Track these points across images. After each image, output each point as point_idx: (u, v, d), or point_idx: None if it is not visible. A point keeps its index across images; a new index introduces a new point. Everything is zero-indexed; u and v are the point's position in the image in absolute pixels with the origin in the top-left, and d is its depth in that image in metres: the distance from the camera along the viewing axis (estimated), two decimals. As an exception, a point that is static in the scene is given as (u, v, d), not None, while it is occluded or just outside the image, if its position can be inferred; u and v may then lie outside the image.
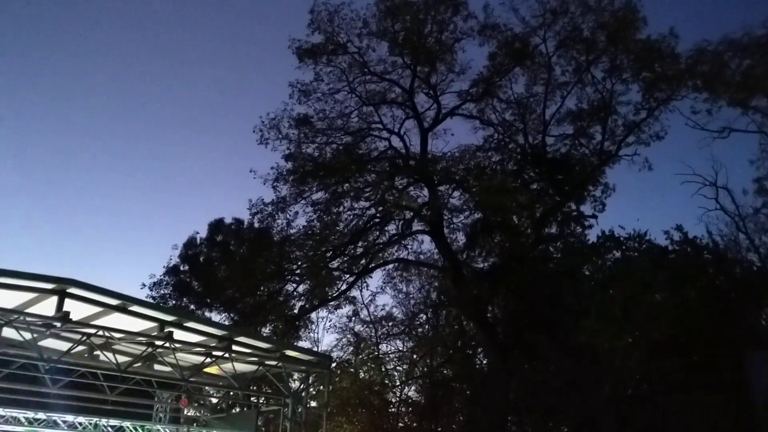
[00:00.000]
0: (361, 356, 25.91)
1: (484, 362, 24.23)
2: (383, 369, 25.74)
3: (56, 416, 13.85)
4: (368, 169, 22.22)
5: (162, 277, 26.21)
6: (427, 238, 23.09)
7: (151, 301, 22.67)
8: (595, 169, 21.66)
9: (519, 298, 21.01)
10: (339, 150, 22.17)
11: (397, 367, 26.61)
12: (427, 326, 26.95)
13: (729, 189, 21.25)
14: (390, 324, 26.79)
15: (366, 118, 22.62)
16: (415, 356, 26.30)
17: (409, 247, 23.68)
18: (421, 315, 27.01)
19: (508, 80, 22.55)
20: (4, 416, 13.41)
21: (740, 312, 17.56)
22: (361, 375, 25.24)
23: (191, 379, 13.38)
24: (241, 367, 13.66)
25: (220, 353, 12.83)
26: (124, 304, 11.37)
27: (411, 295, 27.12)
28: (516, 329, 20.73)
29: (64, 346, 12.25)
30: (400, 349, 26.85)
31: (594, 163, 21.81)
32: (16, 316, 10.70)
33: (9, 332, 11.46)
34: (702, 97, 20.90)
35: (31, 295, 10.84)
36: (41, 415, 13.72)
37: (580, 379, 17.17)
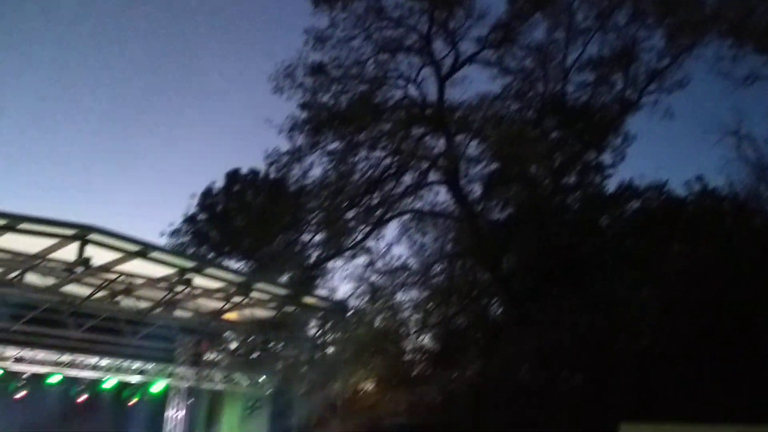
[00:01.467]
0: (376, 305, 26.14)
1: (499, 312, 24.40)
2: (398, 317, 25.98)
3: (81, 358, 14.21)
4: (384, 118, 22.02)
5: (180, 225, 26.52)
6: (443, 189, 23.03)
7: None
8: (616, 118, 21.32)
9: (535, 249, 20.99)
10: (355, 99, 21.95)
11: (412, 316, 26.85)
12: (442, 276, 27.08)
13: (752, 138, 20.84)
14: (405, 274, 26.93)
15: (382, 66, 22.28)
16: (429, 306, 26.49)
17: (424, 197, 23.64)
18: (437, 265, 27.11)
19: (529, 26, 22.05)
20: (31, 358, 13.74)
21: (760, 264, 17.39)
22: (377, 323, 25.51)
23: (211, 325, 13.66)
24: (259, 313, 13.87)
25: (238, 299, 13.02)
26: (145, 250, 11.50)
27: (426, 246, 27.20)
28: (532, 280, 20.77)
29: (85, 291, 12.47)
30: (415, 298, 27.07)
31: (615, 112, 21.46)
32: (38, 262, 10.86)
33: (32, 278, 11.69)
34: (727, 44, 20.34)
35: (52, 241, 10.99)
36: (65, 358, 14.09)
37: (595, 331, 17.25)
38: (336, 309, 14.90)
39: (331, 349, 17.68)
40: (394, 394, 23.33)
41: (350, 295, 26.36)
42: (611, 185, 20.65)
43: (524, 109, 22.34)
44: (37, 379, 14.15)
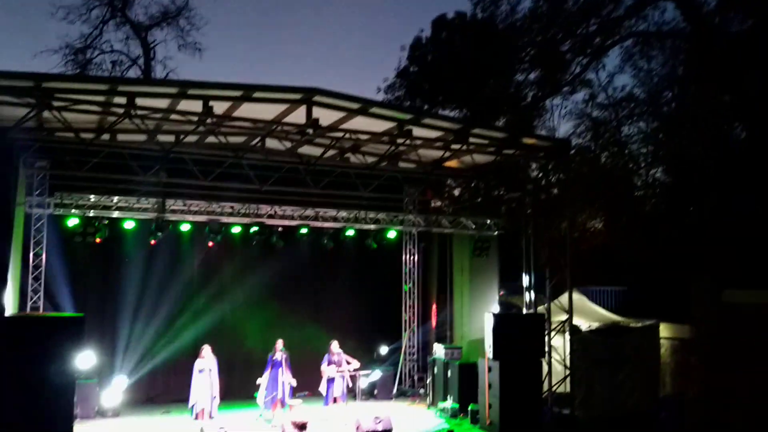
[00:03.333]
0: (600, 141, 24.92)
1: (742, 138, 22.02)
2: (626, 152, 24.65)
3: (322, 211, 15.68)
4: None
5: (394, 80, 27.05)
6: (670, 5, 20.54)
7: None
8: None
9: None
10: None
11: (641, 149, 25.28)
12: (673, 104, 24.85)
13: None
14: (631, 105, 25.12)
15: None
16: (660, 137, 24.64)
17: (649, 17, 21.33)
18: (666, 92, 24.88)
19: None
20: (281, 214, 15.44)
21: None
22: (602, 160, 24.48)
23: (434, 173, 14.07)
24: (479, 158, 13.93)
25: (457, 147, 13.15)
26: (365, 107, 11.91)
27: (654, 72, 24.93)
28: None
29: (318, 151, 13.41)
30: (644, 130, 25.31)
31: None
32: (274, 127, 11.80)
33: (272, 143, 12.81)
34: None
35: (283, 107, 11.81)
36: (310, 212, 15.62)
37: None
38: (557, 148, 14.42)
39: (555, 190, 17.39)
40: (625, 231, 22.65)
41: (572, 133, 25.42)
42: None
43: None
44: (290, 231, 15.97)
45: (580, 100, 27.16)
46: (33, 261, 13.86)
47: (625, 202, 23.17)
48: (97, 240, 14.11)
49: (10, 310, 10.74)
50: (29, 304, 13.62)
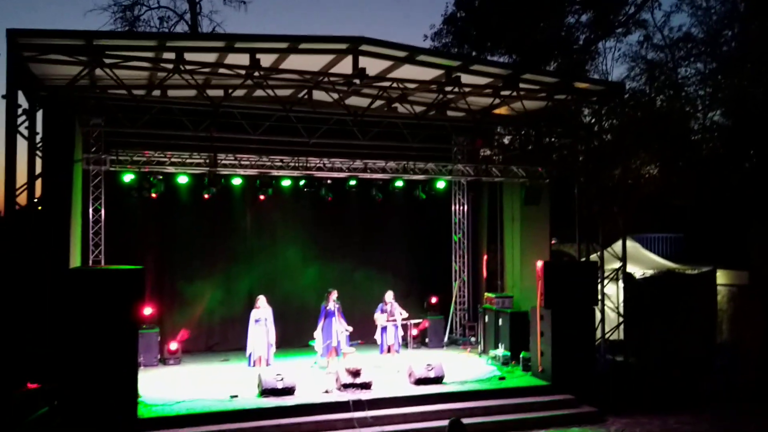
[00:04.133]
0: (656, 84, 24.08)
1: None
2: (682, 95, 23.78)
3: (371, 162, 15.66)
4: None
5: (441, 26, 26.53)
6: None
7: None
8: None
9: None
10: None
11: (699, 91, 24.35)
12: (733, 43, 23.74)
13: None
14: (689, 45, 24.13)
15: None
16: (719, 78, 23.66)
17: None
18: (726, 31, 23.78)
19: None
20: (330, 166, 15.49)
21: None
22: (657, 104, 23.70)
23: (483, 121, 13.85)
24: (530, 104, 13.64)
25: (507, 93, 12.88)
26: (412, 54, 11.73)
27: (713, 9, 23.83)
28: None
29: (365, 102, 13.33)
30: (702, 71, 24.33)
31: None
32: (321, 78, 11.75)
33: (319, 95, 12.77)
34: None
35: (329, 57, 11.73)
36: (358, 163, 15.62)
37: None
38: (611, 92, 13.99)
39: (607, 136, 16.99)
40: (681, 177, 22.05)
41: (625, 77, 24.65)
42: None
43: None
44: (339, 183, 16.05)
45: (635, 41, 26.32)
46: (93, 216, 14.33)
47: (681, 147, 22.48)
48: (153, 195, 14.45)
49: (73, 263, 11.16)
50: (91, 257, 14.13)
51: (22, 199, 10.45)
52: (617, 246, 14.31)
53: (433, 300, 17.13)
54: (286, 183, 15.79)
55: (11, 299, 9.82)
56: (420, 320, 14.79)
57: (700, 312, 15.28)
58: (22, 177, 10.33)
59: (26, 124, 10.55)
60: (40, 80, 11.28)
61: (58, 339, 9.94)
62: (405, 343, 13.99)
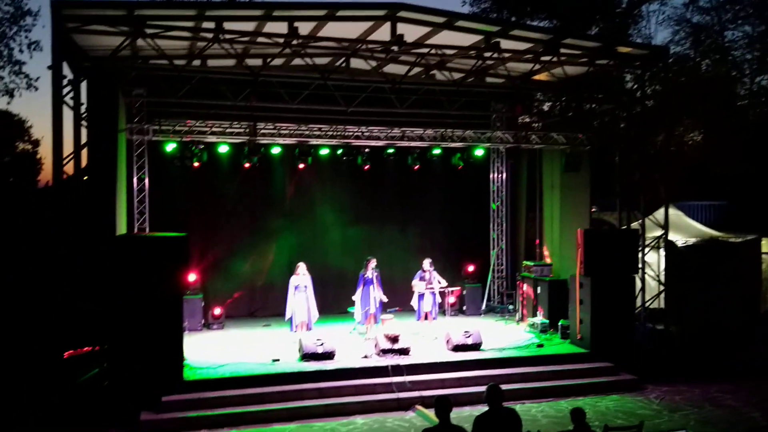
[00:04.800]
0: (701, 48, 23.35)
1: None
2: (729, 59, 23.04)
3: (408, 130, 15.61)
4: None
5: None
6: None
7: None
8: None
9: None
10: None
11: (746, 55, 23.55)
12: (784, 4, 22.84)
13: None
14: (736, 8, 23.28)
15: None
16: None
17: None
18: (777, -9, 22.86)
19: None
20: (367, 134, 15.50)
21: None
22: (702, 68, 23.01)
23: (523, 87, 13.66)
24: (570, 70, 13.41)
25: (547, 58, 12.66)
26: (451, 20, 11.60)
27: (763, -31, 22.88)
28: None
29: (403, 69, 13.25)
30: (750, 34, 23.49)
31: None
32: (359, 46, 11.71)
33: (357, 63, 12.73)
34: None
35: (367, 24, 11.67)
36: (396, 132, 15.59)
37: None
38: (654, 57, 13.64)
39: (650, 102, 16.59)
40: (726, 143, 21.48)
41: (669, 41, 23.94)
42: None
43: None
44: (377, 152, 16.05)
45: (679, 4, 25.47)
46: (137, 185, 14.66)
47: (726, 113, 21.86)
48: (195, 164, 14.68)
49: (119, 231, 11.47)
50: (136, 225, 14.49)
51: (69, 168, 10.76)
52: (659, 214, 14.09)
53: (470, 268, 17.16)
54: (324, 152, 15.87)
55: (61, 266, 10.17)
56: (457, 288, 14.87)
57: (743, 281, 15.02)
58: (68, 147, 10.64)
59: (71, 94, 10.83)
60: (84, 51, 11.49)
61: (107, 303, 10.29)
62: (442, 311, 14.07)
